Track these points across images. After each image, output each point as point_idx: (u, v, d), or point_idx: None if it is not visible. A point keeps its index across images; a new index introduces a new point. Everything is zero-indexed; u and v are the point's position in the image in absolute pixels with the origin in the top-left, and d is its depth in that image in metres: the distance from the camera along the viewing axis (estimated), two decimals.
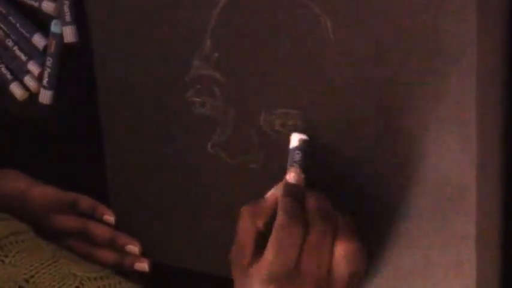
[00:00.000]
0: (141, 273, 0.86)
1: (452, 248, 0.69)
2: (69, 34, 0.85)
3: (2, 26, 0.89)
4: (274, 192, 0.70)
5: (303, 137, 0.71)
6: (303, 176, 0.69)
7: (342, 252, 0.66)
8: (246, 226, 0.68)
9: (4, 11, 0.89)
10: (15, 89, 0.91)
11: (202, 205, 0.81)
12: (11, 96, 0.91)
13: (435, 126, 0.67)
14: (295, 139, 0.71)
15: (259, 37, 0.73)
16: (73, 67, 0.88)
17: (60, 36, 0.86)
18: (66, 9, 0.85)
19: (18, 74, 0.90)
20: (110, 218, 0.86)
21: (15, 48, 0.89)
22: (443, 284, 0.70)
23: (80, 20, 0.85)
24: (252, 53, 0.73)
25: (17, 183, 0.87)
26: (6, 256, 0.72)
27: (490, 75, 0.66)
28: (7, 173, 0.88)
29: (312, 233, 0.66)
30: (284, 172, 0.73)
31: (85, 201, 0.86)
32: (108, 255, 0.85)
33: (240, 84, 0.75)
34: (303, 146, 0.70)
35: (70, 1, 0.85)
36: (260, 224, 0.68)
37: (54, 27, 0.86)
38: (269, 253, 0.66)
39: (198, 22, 0.75)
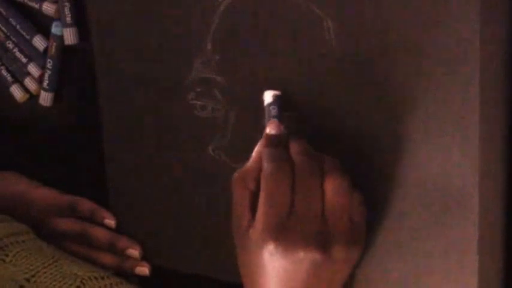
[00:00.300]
0: (141, 277, 0.86)
1: (454, 252, 0.68)
2: (69, 36, 0.85)
3: (2, 27, 0.89)
4: (257, 150, 0.69)
5: (276, 92, 0.71)
6: (282, 126, 0.69)
7: (333, 188, 0.65)
8: (239, 191, 0.67)
9: (4, 13, 0.89)
10: (16, 91, 0.91)
11: (203, 208, 0.80)
12: (12, 98, 0.91)
13: (437, 129, 0.67)
14: (269, 95, 0.71)
15: (260, 40, 0.73)
16: (74, 69, 0.88)
17: (61, 38, 0.86)
18: (66, 11, 0.85)
19: (19, 76, 0.90)
20: (110, 221, 0.85)
21: (16, 50, 0.89)
22: None
23: (80, 22, 0.85)
24: (253, 55, 0.73)
25: (17, 185, 0.87)
26: (6, 255, 0.72)
27: (493, 78, 0.65)
28: (7, 175, 0.89)
29: (298, 173, 0.65)
30: None
31: (85, 205, 0.86)
32: (108, 259, 0.85)
33: (241, 87, 0.75)
34: (278, 101, 0.70)
35: (71, 3, 0.85)
36: (251, 185, 0.67)
37: (55, 29, 0.86)
38: (261, 204, 0.65)
39: (199, 25, 0.75)
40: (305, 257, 0.64)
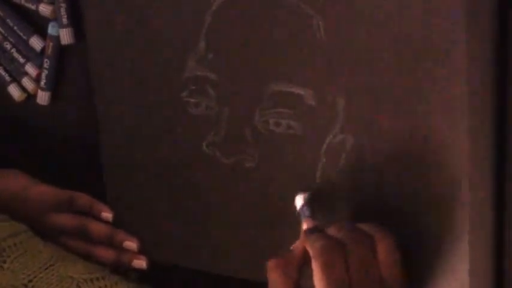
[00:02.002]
0: (138, 271, 0.86)
1: (446, 245, 0.69)
2: (66, 36, 0.86)
3: (0, 28, 0.90)
4: (297, 244, 0.69)
5: (305, 194, 0.73)
6: (315, 222, 0.70)
7: (384, 251, 0.65)
8: (281, 279, 0.66)
9: (2, 14, 0.89)
10: (13, 91, 0.91)
11: (198, 204, 0.81)
12: (10, 97, 0.91)
13: (427, 124, 0.67)
14: (300, 199, 0.73)
15: (253, 38, 0.73)
16: (70, 68, 0.88)
17: (57, 38, 0.86)
18: (62, 12, 0.85)
19: (17, 76, 0.91)
20: (107, 215, 0.86)
21: (13, 50, 0.90)
22: (437, 282, 0.70)
23: (76, 22, 0.85)
24: (246, 53, 0.74)
25: (16, 182, 0.87)
26: (4, 262, 0.72)
27: (480, 72, 0.66)
28: (7, 173, 0.89)
29: (349, 246, 0.65)
30: (279, 171, 0.75)
31: (82, 199, 0.86)
32: (106, 253, 0.85)
33: (234, 84, 0.75)
34: (308, 200, 0.73)
35: (67, 4, 0.85)
36: (294, 274, 0.66)
37: (51, 29, 0.87)
38: (318, 283, 0.64)
39: (193, 23, 0.76)
40: None
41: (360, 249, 0.65)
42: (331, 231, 0.68)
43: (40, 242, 0.77)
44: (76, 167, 0.91)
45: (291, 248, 0.69)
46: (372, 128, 0.70)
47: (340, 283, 0.64)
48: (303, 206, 0.73)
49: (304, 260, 0.67)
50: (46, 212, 0.86)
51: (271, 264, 0.67)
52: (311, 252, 0.66)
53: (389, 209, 0.71)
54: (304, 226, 0.70)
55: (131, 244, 0.85)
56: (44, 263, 0.74)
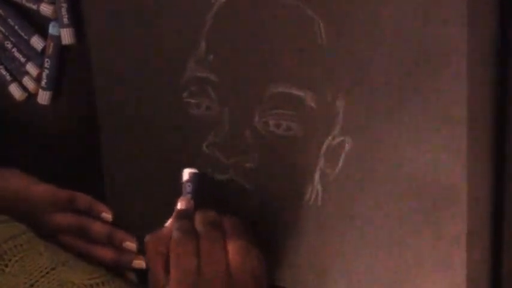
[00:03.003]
0: (138, 272, 0.86)
1: (443, 247, 0.69)
2: (66, 36, 0.86)
3: (1, 28, 0.90)
4: (169, 222, 0.75)
5: (193, 170, 0.77)
6: (192, 202, 0.76)
7: (234, 250, 0.71)
8: (152, 255, 0.73)
9: (3, 14, 0.89)
10: (14, 90, 0.91)
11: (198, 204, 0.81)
12: (10, 97, 0.92)
13: (426, 127, 0.67)
14: (186, 173, 0.77)
15: (254, 39, 0.73)
16: (71, 68, 0.89)
17: (58, 38, 0.87)
18: (63, 11, 0.85)
19: (17, 75, 0.91)
20: (107, 215, 0.86)
21: (14, 50, 0.90)
22: (434, 282, 0.70)
23: (77, 22, 0.85)
24: (246, 55, 0.74)
25: (16, 182, 0.88)
26: (6, 266, 0.73)
27: (480, 75, 0.66)
28: (7, 172, 0.89)
29: (203, 241, 0.71)
30: (278, 172, 0.75)
31: (82, 199, 0.87)
32: (105, 253, 0.86)
33: (234, 85, 0.75)
34: (194, 178, 0.77)
35: (68, 4, 0.85)
36: (163, 249, 0.73)
37: (52, 29, 0.87)
38: (172, 270, 0.71)
39: (194, 25, 0.76)
40: None
41: (211, 245, 0.71)
42: (196, 219, 0.74)
43: (40, 244, 0.77)
44: (76, 166, 0.91)
45: (165, 224, 0.75)
46: (371, 130, 0.70)
47: (188, 273, 0.70)
48: (186, 181, 0.77)
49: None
50: (46, 211, 0.86)
51: (145, 240, 0.74)
52: (171, 238, 0.72)
53: (388, 209, 0.71)
54: (178, 204, 0.76)
55: (131, 244, 0.85)
56: (45, 266, 0.74)
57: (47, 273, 0.73)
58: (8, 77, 0.91)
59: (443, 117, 0.66)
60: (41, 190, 0.87)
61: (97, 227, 0.86)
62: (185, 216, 0.75)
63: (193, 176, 0.77)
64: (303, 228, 0.75)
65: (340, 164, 0.72)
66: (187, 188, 0.77)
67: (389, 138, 0.69)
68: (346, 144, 0.71)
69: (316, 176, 0.74)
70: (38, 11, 0.87)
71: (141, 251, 0.85)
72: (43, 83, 0.89)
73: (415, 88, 0.67)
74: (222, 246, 0.72)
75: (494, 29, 0.66)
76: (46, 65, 0.88)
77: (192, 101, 0.78)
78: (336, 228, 0.74)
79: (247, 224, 0.74)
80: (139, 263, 0.86)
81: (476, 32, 0.64)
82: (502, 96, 0.68)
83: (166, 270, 0.72)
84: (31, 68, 0.90)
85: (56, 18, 0.86)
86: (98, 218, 0.86)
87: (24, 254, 0.74)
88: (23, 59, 0.90)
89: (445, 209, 0.68)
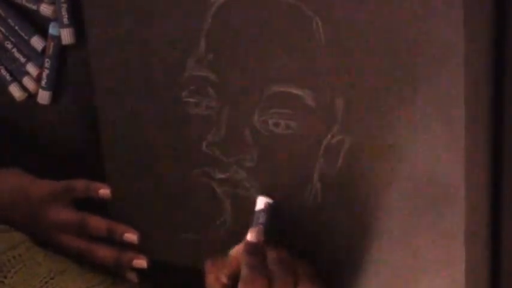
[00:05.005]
0: (139, 271, 0.86)
1: (442, 245, 0.69)
2: (66, 36, 0.86)
3: (1, 28, 0.90)
4: (237, 249, 0.73)
5: (268, 200, 0.74)
6: (263, 235, 0.72)
7: None
8: (211, 282, 0.72)
9: (3, 14, 0.89)
10: (14, 90, 0.91)
11: (199, 204, 0.81)
12: (11, 97, 0.92)
13: (424, 125, 0.67)
14: (261, 202, 0.74)
15: (253, 38, 0.73)
16: (71, 68, 0.89)
17: (58, 38, 0.87)
18: (63, 11, 0.85)
19: (17, 75, 0.91)
20: (105, 191, 0.86)
21: (14, 50, 0.90)
22: (433, 280, 0.70)
23: (77, 22, 0.85)
24: (246, 54, 0.74)
25: (17, 180, 0.88)
26: (5, 277, 0.73)
27: (477, 74, 0.66)
28: (7, 171, 0.89)
29: (274, 283, 0.69)
30: (278, 170, 0.75)
31: (78, 183, 0.86)
32: (106, 252, 0.86)
33: (233, 84, 0.75)
34: (268, 208, 0.74)
35: (68, 4, 0.85)
36: (224, 279, 0.71)
37: (52, 29, 0.87)
38: None
39: (193, 24, 0.76)
40: None
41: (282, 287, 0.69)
42: (269, 256, 0.71)
43: (39, 253, 0.77)
44: (76, 166, 0.91)
45: (230, 252, 0.73)
46: (370, 129, 0.70)
47: None
48: (261, 210, 0.74)
49: (238, 268, 0.71)
50: (47, 207, 0.86)
51: (207, 265, 0.72)
52: (241, 276, 0.70)
53: (388, 208, 0.71)
54: (248, 235, 0.72)
55: (131, 236, 0.85)
56: (44, 277, 0.74)
57: (46, 283, 0.73)
58: (8, 77, 0.91)
59: (442, 117, 0.67)
60: (40, 187, 0.87)
61: (97, 222, 0.86)
62: (256, 250, 0.71)
63: (268, 206, 0.74)
64: (302, 226, 0.76)
65: (339, 162, 0.72)
66: (261, 218, 0.73)
67: (388, 137, 0.69)
68: (345, 143, 0.72)
69: (316, 175, 0.74)
70: (38, 11, 0.87)
71: (142, 244, 0.85)
72: (43, 83, 0.89)
73: (413, 87, 0.67)
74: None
75: (491, 29, 0.66)
76: (46, 65, 0.88)
77: (192, 100, 0.78)
78: (335, 227, 0.74)
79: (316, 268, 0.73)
80: (140, 262, 0.85)
81: (473, 32, 0.65)
82: (499, 95, 0.68)
83: None
84: (31, 68, 0.90)
85: (56, 18, 0.86)
86: (97, 197, 0.86)
87: (23, 265, 0.74)
88: (23, 59, 0.90)
89: (444, 208, 0.68)
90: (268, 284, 0.69)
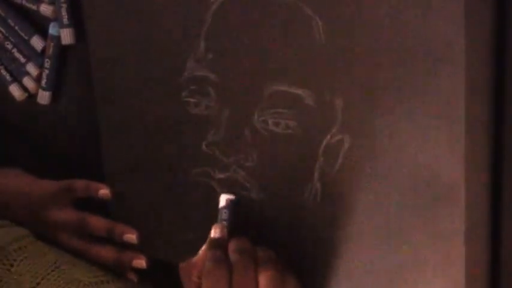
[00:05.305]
0: (139, 271, 0.87)
1: (442, 244, 0.69)
2: (66, 36, 0.86)
3: (1, 28, 0.90)
4: (202, 250, 0.75)
5: (230, 197, 0.77)
6: (226, 231, 0.75)
7: (265, 281, 0.71)
8: (185, 282, 0.74)
9: (3, 14, 0.90)
10: (14, 90, 0.91)
11: (198, 203, 0.81)
12: (11, 97, 0.92)
13: (425, 124, 0.67)
14: (223, 199, 0.77)
15: (252, 38, 0.73)
16: (71, 68, 0.89)
17: (58, 38, 0.87)
18: (63, 12, 0.86)
19: (18, 76, 0.91)
20: (105, 191, 0.86)
21: (14, 50, 0.90)
22: (433, 280, 0.70)
23: (77, 22, 0.86)
24: (245, 53, 0.74)
25: (17, 180, 0.88)
26: (11, 265, 0.73)
27: (478, 73, 0.66)
28: (8, 172, 0.90)
29: (235, 271, 0.71)
30: (278, 170, 0.75)
31: (78, 184, 0.87)
32: (106, 252, 0.86)
33: (233, 84, 0.75)
34: (230, 205, 0.77)
35: (67, 4, 0.85)
36: (195, 278, 0.73)
37: (52, 29, 0.87)
38: None
39: (193, 24, 0.76)
40: None
41: (244, 276, 0.71)
42: (230, 246, 0.74)
43: (44, 245, 0.77)
44: (76, 166, 0.92)
45: (199, 252, 0.75)
46: (369, 128, 0.70)
47: None
48: (223, 207, 0.77)
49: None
50: (47, 207, 0.86)
51: (180, 268, 0.75)
52: (203, 269, 0.72)
53: (387, 207, 0.71)
54: (212, 232, 0.75)
55: (131, 236, 0.85)
56: (50, 265, 0.74)
57: (52, 271, 0.74)
58: (8, 77, 0.92)
59: (442, 115, 0.66)
60: (40, 187, 0.87)
61: (97, 221, 0.86)
62: (218, 245, 0.74)
63: (230, 203, 0.77)
64: (302, 225, 0.76)
65: (339, 162, 0.72)
66: (223, 214, 0.77)
67: (388, 136, 0.69)
68: (345, 143, 0.72)
69: (315, 174, 0.74)
70: (38, 11, 0.87)
71: (142, 244, 0.85)
72: (43, 83, 0.90)
73: (414, 86, 0.67)
74: (254, 276, 0.71)
75: (492, 27, 0.66)
76: (46, 65, 0.89)
77: (192, 100, 0.78)
78: (335, 226, 0.74)
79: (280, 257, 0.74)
80: (140, 262, 0.86)
81: (474, 30, 0.64)
82: (499, 95, 0.68)
83: None
84: (31, 68, 0.90)
85: (56, 18, 0.86)
86: (97, 198, 0.86)
87: (29, 254, 0.74)
88: (23, 59, 0.90)
89: (444, 207, 0.68)
90: (228, 274, 0.71)
